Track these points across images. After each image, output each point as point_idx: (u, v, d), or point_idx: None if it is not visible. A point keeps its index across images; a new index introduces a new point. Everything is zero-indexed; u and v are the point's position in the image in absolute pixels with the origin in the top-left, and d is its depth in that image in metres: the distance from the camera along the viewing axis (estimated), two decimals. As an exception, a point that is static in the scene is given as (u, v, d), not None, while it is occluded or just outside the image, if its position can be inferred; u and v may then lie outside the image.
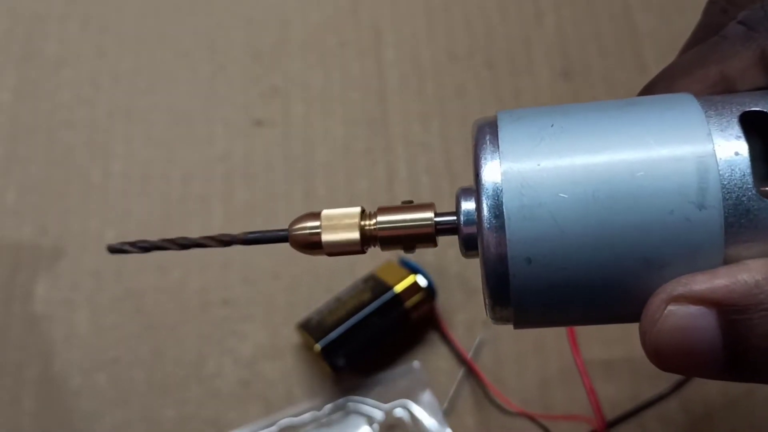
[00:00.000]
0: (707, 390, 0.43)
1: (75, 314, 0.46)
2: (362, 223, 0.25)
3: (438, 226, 0.25)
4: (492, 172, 0.23)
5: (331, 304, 0.43)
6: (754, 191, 0.21)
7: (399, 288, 0.43)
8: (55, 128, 0.52)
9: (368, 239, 0.25)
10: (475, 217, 0.24)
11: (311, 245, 0.26)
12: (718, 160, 0.21)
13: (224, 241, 0.31)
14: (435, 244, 0.26)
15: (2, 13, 0.56)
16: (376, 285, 0.43)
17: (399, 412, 0.43)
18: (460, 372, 0.44)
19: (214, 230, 0.49)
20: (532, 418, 0.43)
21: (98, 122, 0.52)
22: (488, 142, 0.23)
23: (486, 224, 0.22)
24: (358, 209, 0.26)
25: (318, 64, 0.54)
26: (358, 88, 0.53)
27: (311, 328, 0.43)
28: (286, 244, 0.26)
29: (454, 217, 0.25)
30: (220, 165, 0.51)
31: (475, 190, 0.23)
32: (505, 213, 0.22)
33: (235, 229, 0.46)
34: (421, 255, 0.47)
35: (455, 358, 0.44)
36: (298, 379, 0.44)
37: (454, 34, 0.55)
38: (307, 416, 0.43)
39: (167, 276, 0.47)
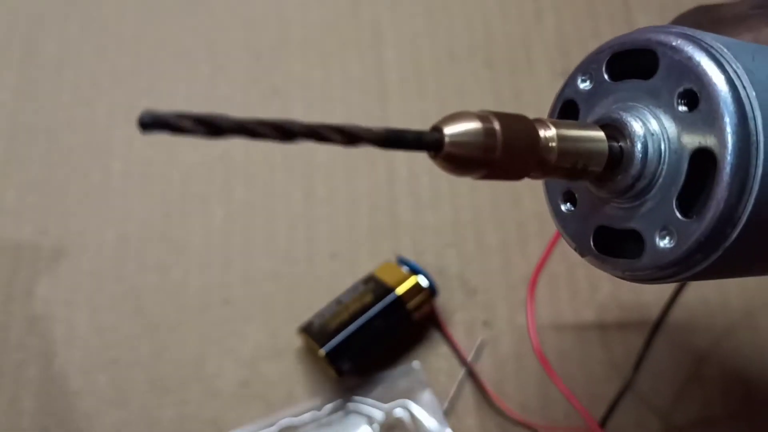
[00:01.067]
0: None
1: (75, 314, 0.46)
2: (542, 134, 0.20)
3: (610, 152, 0.21)
4: (715, 59, 0.20)
5: (332, 307, 0.43)
6: None
7: (401, 290, 0.43)
8: (56, 128, 0.52)
9: (543, 152, 0.20)
10: (655, 134, 0.21)
11: (485, 151, 0.19)
12: None
13: (352, 134, 0.19)
14: (600, 172, 0.21)
15: (2, 13, 0.56)
16: (377, 287, 0.43)
17: (399, 412, 0.43)
18: (461, 373, 0.44)
19: (214, 230, 0.49)
20: (532, 428, 0.43)
21: (98, 122, 0.52)
22: (689, 38, 0.21)
23: (731, 130, 0.20)
24: (525, 116, 0.20)
25: (318, 64, 0.54)
26: (358, 88, 0.53)
27: (314, 333, 0.42)
28: None
29: (625, 142, 0.21)
30: (219, 165, 0.50)
31: (645, 113, 0.22)
32: (754, 102, 0.20)
33: (236, 229, 0.46)
34: (421, 255, 0.47)
35: (455, 358, 0.44)
36: (299, 379, 0.44)
37: (454, 33, 0.55)
38: (307, 416, 0.43)
39: (167, 276, 0.47)
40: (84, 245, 0.48)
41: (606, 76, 0.23)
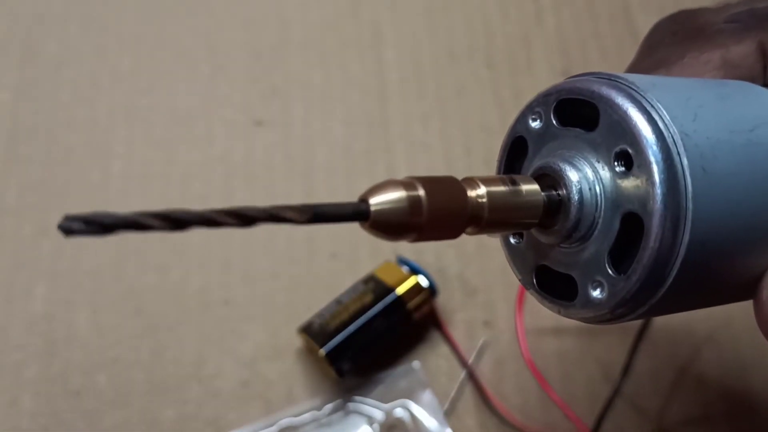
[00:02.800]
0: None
1: (75, 314, 0.46)
2: (470, 193, 0.20)
3: (545, 202, 0.22)
4: (652, 123, 0.20)
5: (332, 307, 0.43)
6: None
7: (401, 290, 0.43)
8: (56, 128, 0.52)
9: (474, 213, 0.21)
10: (596, 187, 0.21)
11: (410, 219, 0.19)
12: None
13: (247, 218, 0.20)
14: (535, 225, 0.22)
15: (2, 13, 0.56)
16: (377, 286, 0.43)
17: (399, 412, 0.43)
18: (462, 374, 0.44)
19: (214, 230, 0.49)
20: None
21: (98, 122, 0.52)
22: (632, 98, 0.21)
23: (660, 199, 0.20)
24: (454, 177, 0.20)
25: (318, 64, 0.54)
26: (358, 88, 0.53)
27: (314, 333, 0.42)
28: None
29: (562, 191, 0.22)
30: (220, 165, 0.51)
31: (579, 160, 0.22)
32: (687, 174, 0.20)
33: (237, 229, 0.46)
34: (421, 255, 0.47)
35: (456, 358, 0.44)
36: (298, 379, 0.44)
37: (454, 33, 0.55)
38: (307, 416, 0.43)
39: (167, 276, 0.47)
40: (84, 245, 0.48)
41: (554, 120, 0.23)
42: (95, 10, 0.56)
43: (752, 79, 0.27)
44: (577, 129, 0.22)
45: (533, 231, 0.23)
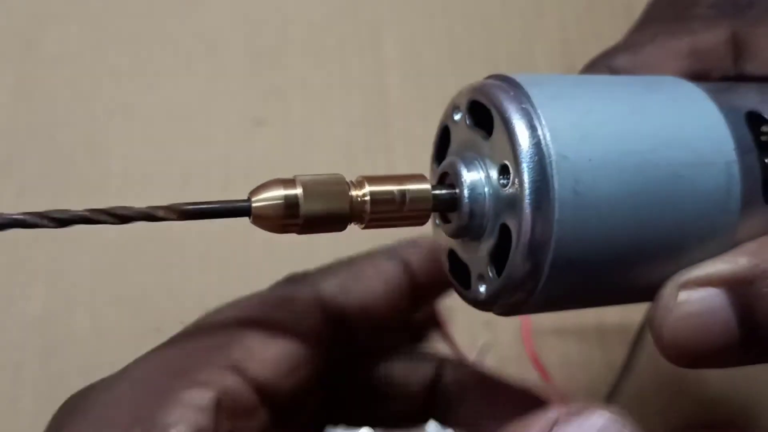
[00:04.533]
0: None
1: (74, 315, 0.46)
2: (351, 192, 0.22)
3: (435, 200, 0.23)
4: (533, 129, 0.21)
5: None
6: (761, 195, 0.22)
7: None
8: (55, 128, 0.52)
9: (355, 212, 0.22)
10: (485, 188, 0.22)
11: (286, 217, 0.21)
12: (740, 169, 0.22)
13: (123, 217, 0.22)
14: (424, 223, 0.23)
15: (2, 13, 0.56)
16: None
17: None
18: (461, 372, 0.44)
19: (214, 230, 0.49)
20: None
21: (98, 122, 0.52)
22: (516, 98, 0.21)
23: (526, 219, 0.20)
24: (341, 175, 0.22)
25: (318, 64, 0.54)
26: (359, 88, 0.53)
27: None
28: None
29: (454, 190, 0.23)
30: (219, 165, 0.50)
31: (475, 160, 0.22)
32: (555, 196, 0.20)
33: (237, 230, 0.46)
34: (422, 255, 0.46)
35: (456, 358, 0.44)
36: (299, 379, 0.44)
37: (455, 32, 0.55)
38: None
39: (167, 276, 0.47)
40: (83, 245, 0.48)
41: (466, 120, 0.24)
42: (94, 9, 0.56)
43: (722, 71, 0.26)
44: (483, 131, 0.23)
45: (438, 222, 0.25)
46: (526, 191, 0.20)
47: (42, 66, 0.54)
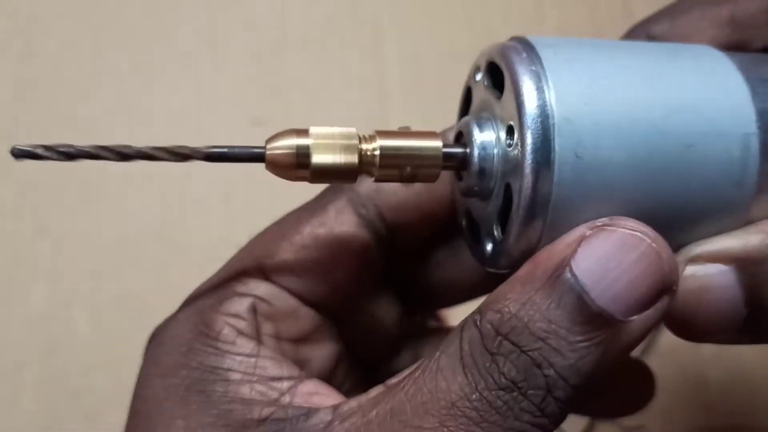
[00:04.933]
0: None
1: (74, 314, 0.46)
2: (361, 146, 0.23)
3: (445, 158, 0.23)
4: (540, 91, 0.21)
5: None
6: None
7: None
8: (55, 128, 0.51)
9: (365, 165, 0.23)
10: (495, 149, 0.22)
11: (297, 166, 0.22)
12: (760, 143, 0.21)
13: (181, 155, 0.25)
14: (436, 178, 0.23)
15: (2, 13, 0.56)
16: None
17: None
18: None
19: (214, 230, 0.49)
20: None
21: (98, 122, 0.52)
22: (528, 59, 0.21)
23: (529, 164, 0.20)
24: (353, 129, 0.23)
25: (318, 63, 0.54)
26: (359, 88, 0.53)
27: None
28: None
29: (463, 149, 0.23)
30: (220, 165, 0.50)
31: (488, 121, 0.22)
32: (556, 158, 0.20)
33: (237, 229, 0.46)
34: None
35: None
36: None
37: (455, 32, 0.55)
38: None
39: (167, 276, 0.47)
40: (83, 245, 0.48)
41: (485, 80, 0.24)
42: (95, 9, 0.56)
43: (763, 41, 0.26)
44: (498, 92, 0.23)
45: (455, 181, 0.25)
46: (528, 152, 0.20)
47: (42, 66, 0.54)
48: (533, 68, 0.21)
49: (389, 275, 0.29)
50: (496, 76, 0.23)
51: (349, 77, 0.54)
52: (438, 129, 0.56)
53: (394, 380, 0.21)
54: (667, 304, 0.20)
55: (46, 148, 0.24)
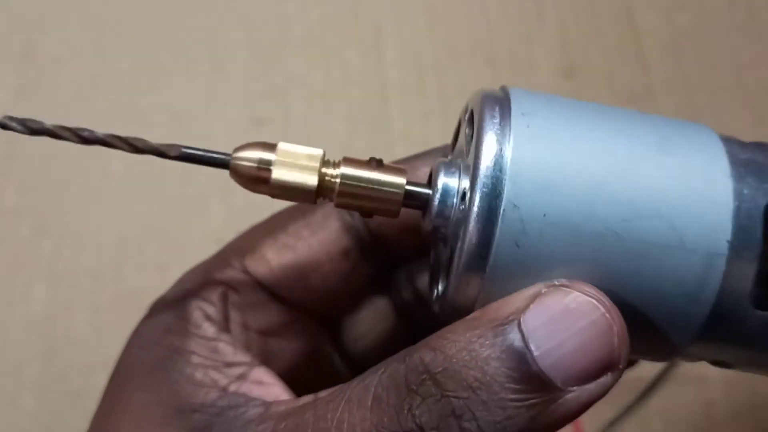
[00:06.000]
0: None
1: (75, 314, 0.46)
2: (323, 169, 0.22)
3: (407, 196, 0.22)
4: (496, 166, 0.20)
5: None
6: (748, 300, 0.20)
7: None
8: (55, 128, 0.51)
9: (325, 190, 0.22)
10: (455, 199, 0.21)
11: (256, 180, 0.22)
12: (728, 264, 0.20)
13: (138, 148, 0.25)
14: (396, 215, 0.23)
15: (2, 13, 0.56)
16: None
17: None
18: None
19: (214, 230, 0.49)
20: None
21: (98, 122, 0.52)
22: (498, 125, 0.20)
23: (474, 219, 0.20)
24: (320, 151, 0.22)
25: (318, 63, 0.54)
26: (359, 87, 0.53)
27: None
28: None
29: (428, 191, 0.22)
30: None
31: (457, 169, 0.22)
32: (494, 242, 0.19)
33: (235, 229, 0.46)
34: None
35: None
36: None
37: (456, 32, 0.55)
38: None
39: (167, 276, 0.47)
40: (83, 245, 0.48)
41: (466, 128, 0.23)
42: (95, 9, 0.56)
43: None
44: (470, 145, 0.22)
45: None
46: (470, 225, 0.20)
47: (42, 66, 0.54)
48: (498, 135, 0.20)
49: (382, 280, 0.29)
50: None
51: (349, 76, 0.54)
52: (438, 129, 0.56)
53: (323, 394, 0.21)
54: (610, 383, 0.19)
55: (21, 122, 0.25)
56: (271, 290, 0.26)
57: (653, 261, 0.19)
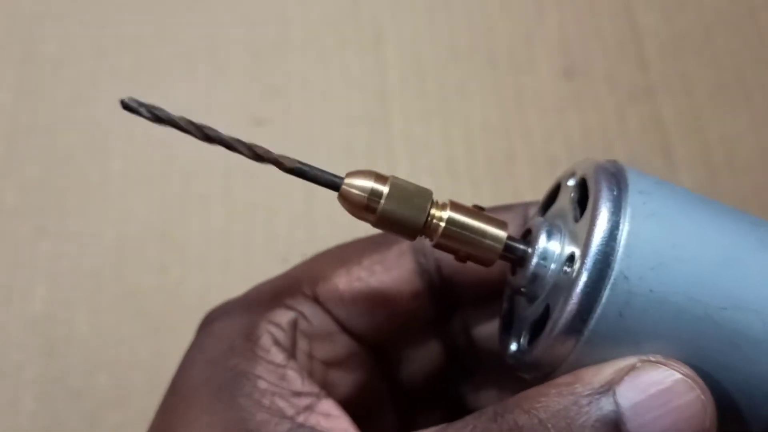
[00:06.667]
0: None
1: (75, 314, 0.46)
2: (431, 210, 0.23)
3: (504, 249, 0.23)
4: (612, 236, 0.20)
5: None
6: None
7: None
8: (55, 128, 0.51)
9: (428, 230, 0.23)
10: (554, 264, 0.22)
11: (365, 209, 0.22)
12: None
13: (259, 156, 0.26)
14: (491, 264, 0.23)
15: (2, 13, 0.56)
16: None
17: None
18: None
19: (214, 230, 0.49)
20: None
21: (98, 122, 0.52)
22: (616, 198, 0.21)
23: (571, 304, 0.20)
24: (430, 191, 0.23)
25: (318, 63, 0.54)
26: (359, 87, 0.53)
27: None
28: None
29: (525, 247, 0.23)
30: (220, 164, 0.50)
31: (558, 232, 0.22)
32: (599, 309, 0.20)
33: (236, 229, 0.46)
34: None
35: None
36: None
37: (456, 32, 0.55)
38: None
39: (168, 276, 0.47)
40: (84, 245, 0.48)
41: (572, 192, 0.24)
42: (95, 9, 0.56)
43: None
44: (579, 210, 0.23)
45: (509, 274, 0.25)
46: (576, 291, 0.20)
47: (42, 66, 0.54)
48: (615, 214, 0.21)
49: (441, 323, 0.29)
50: (584, 192, 0.23)
51: (349, 76, 0.54)
52: (438, 129, 0.56)
53: None
54: None
55: (149, 108, 0.25)
56: (340, 322, 0.27)
57: (743, 351, 0.20)
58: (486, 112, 0.52)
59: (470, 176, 0.50)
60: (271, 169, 0.54)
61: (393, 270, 0.27)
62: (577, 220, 0.22)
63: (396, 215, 0.22)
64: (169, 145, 0.51)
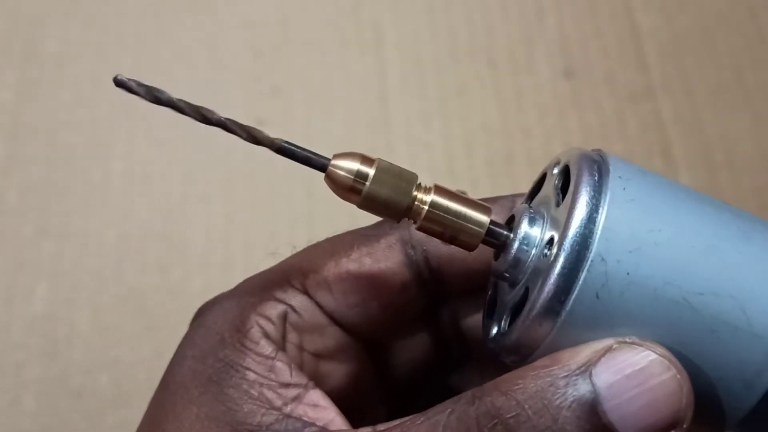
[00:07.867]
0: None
1: (76, 314, 0.46)
2: (415, 193, 0.23)
3: (487, 234, 0.23)
4: (591, 219, 0.21)
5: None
6: None
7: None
8: (56, 128, 0.52)
9: (412, 213, 0.23)
10: (534, 249, 0.22)
11: (350, 190, 0.23)
12: None
13: (254, 137, 0.25)
14: (474, 249, 0.23)
15: (3, 13, 0.56)
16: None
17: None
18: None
19: (215, 230, 0.49)
20: None
21: (99, 122, 0.52)
22: (596, 183, 0.21)
23: (549, 286, 0.20)
24: (415, 174, 0.23)
25: (319, 64, 0.54)
26: (359, 88, 0.53)
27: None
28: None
29: (508, 233, 0.23)
30: (220, 165, 0.50)
31: (541, 218, 0.22)
32: (575, 290, 0.20)
33: (236, 229, 0.46)
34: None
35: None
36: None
37: (456, 32, 0.55)
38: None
39: (168, 276, 0.47)
40: (85, 245, 0.48)
41: (556, 180, 0.24)
42: (96, 9, 0.56)
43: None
44: (561, 196, 0.23)
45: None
46: (554, 272, 0.20)
47: (44, 66, 0.54)
48: (595, 198, 0.21)
49: (430, 315, 0.29)
50: (567, 178, 0.23)
51: (349, 77, 0.54)
52: (438, 129, 0.56)
53: (381, 427, 0.22)
54: None
55: (139, 84, 0.25)
56: (329, 314, 0.27)
57: (720, 337, 0.20)
58: (486, 113, 0.52)
59: (470, 176, 0.50)
60: (271, 169, 0.55)
61: (382, 262, 0.27)
62: (558, 205, 0.23)
63: (381, 197, 0.23)
64: (170, 145, 0.51)
